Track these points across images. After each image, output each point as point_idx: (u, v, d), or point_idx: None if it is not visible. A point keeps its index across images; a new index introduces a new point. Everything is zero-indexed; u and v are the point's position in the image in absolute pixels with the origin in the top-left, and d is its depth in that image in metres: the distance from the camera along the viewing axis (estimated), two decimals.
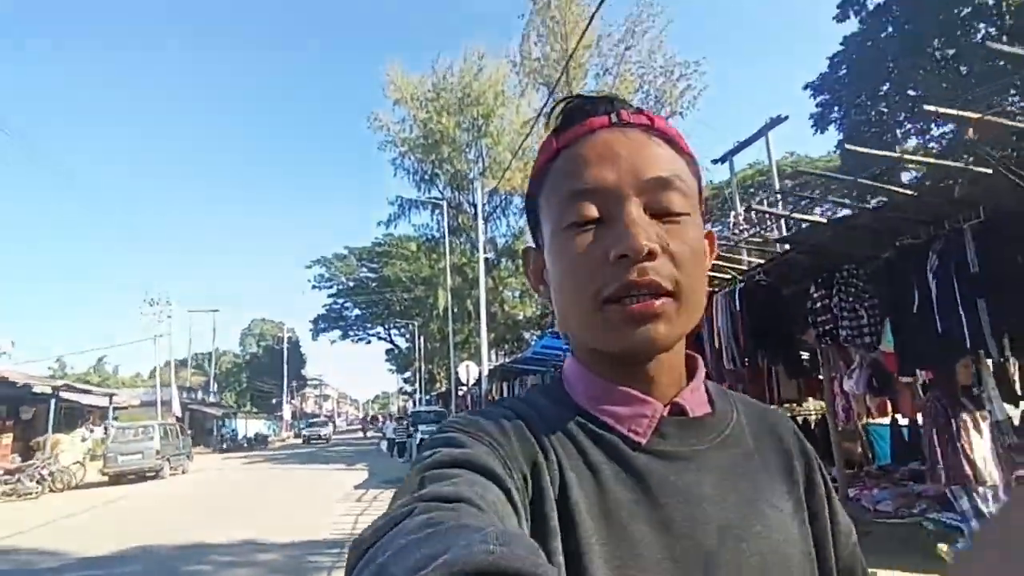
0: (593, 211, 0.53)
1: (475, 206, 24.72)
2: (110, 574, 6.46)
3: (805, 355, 6.99)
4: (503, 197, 27.32)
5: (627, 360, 0.55)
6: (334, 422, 73.08)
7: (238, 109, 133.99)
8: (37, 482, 15.39)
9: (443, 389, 30.13)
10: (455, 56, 27.40)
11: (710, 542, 0.51)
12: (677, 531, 0.50)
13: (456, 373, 18.42)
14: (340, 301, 50.58)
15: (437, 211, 27.27)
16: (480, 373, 17.15)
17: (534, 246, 0.63)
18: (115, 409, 25.10)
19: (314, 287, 50.38)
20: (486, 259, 21.07)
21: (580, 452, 0.54)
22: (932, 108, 3.46)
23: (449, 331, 22.78)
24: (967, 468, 4.34)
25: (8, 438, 19.56)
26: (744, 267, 6.43)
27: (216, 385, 49.59)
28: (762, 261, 6.09)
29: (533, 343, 16.50)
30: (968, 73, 15.12)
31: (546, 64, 23.71)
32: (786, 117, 13.45)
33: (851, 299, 5.27)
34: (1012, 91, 15.05)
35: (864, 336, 5.22)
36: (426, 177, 28.22)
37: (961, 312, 4.15)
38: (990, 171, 3.38)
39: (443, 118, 25.89)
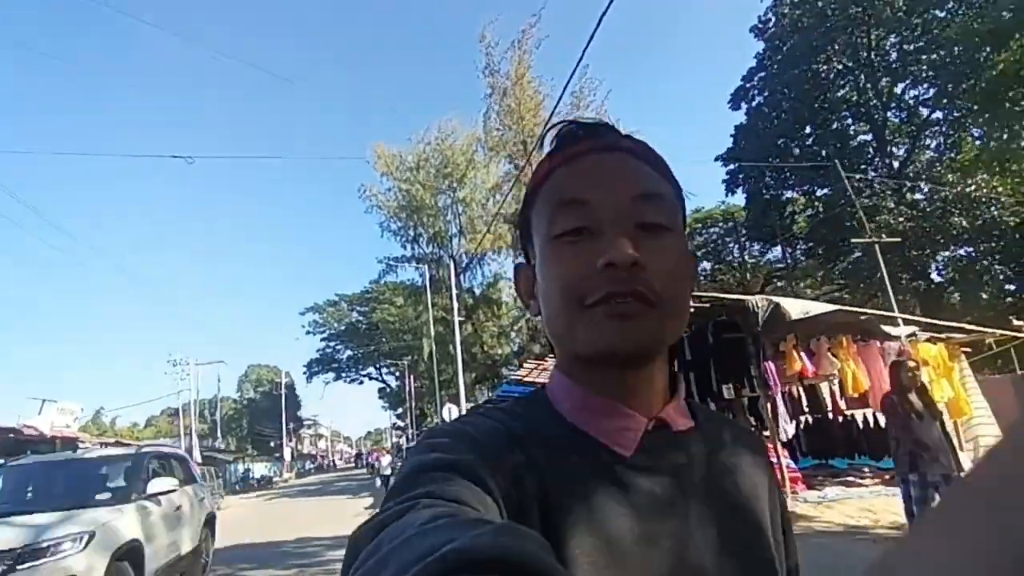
0: (582, 222, 0.55)
1: (453, 259, 28.57)
2: (244, 556, 9.89)
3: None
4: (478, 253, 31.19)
5: (610, 365, 0.55)
6: (332, 461, 71.31)
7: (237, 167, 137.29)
8: None
9: (433, 424, 33.56)
10: (431, 129, 31.21)
11: (696, 557, 0.51)
12: (663, 546, 0.51)
13: (441, 414, 22.38)
14: (332, 344, 53.82)
15: (419, 266, 31.08)
16: (460, 413, 21.07)
17: (525, 263, 0.65)
18: None
19: (308, 332, 53.81)
20: (466, 305, 24.80)
21: (565, 465, 0.53)
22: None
23: (434, 374, 26.47)
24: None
25: None
26: None
27: (219, 431, 52.10)
28: None
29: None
30: (825, 155, 19.53)
31: (506, 138, 27.80)
32: (692, 195, 17.72)
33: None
34: (864, 167, 19.55)
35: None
36: (410, 236, 32.06)
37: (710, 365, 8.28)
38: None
39: (422, 190, 29.89)
